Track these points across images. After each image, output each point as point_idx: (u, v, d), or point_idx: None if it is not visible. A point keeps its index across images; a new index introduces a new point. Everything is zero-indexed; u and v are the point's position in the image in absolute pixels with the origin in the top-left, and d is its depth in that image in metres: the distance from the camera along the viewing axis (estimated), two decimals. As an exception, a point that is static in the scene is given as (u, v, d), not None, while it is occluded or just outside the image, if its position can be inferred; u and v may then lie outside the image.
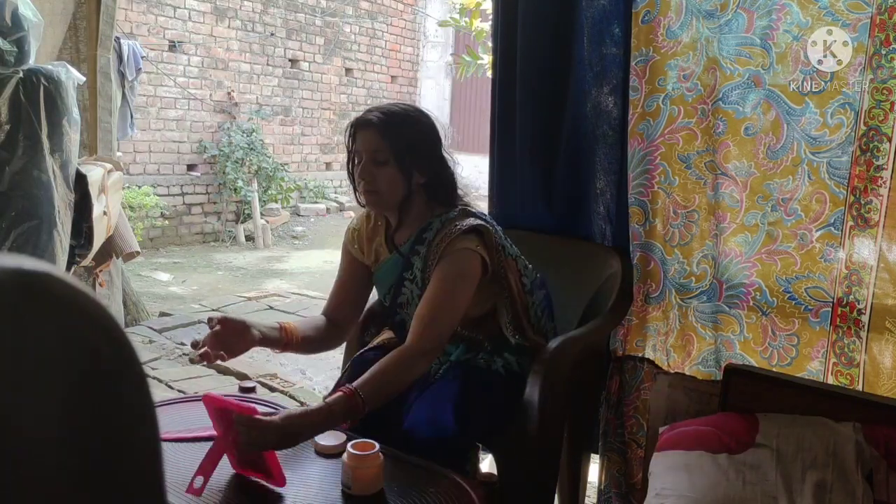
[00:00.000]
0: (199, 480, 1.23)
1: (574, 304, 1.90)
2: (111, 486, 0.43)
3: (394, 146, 1.54)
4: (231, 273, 5.93)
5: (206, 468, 1.26)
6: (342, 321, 1.74)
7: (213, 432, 1.32)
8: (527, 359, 1.66)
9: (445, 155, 1.63)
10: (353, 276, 1.75)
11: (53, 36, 3.15)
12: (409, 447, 1.43)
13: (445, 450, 1.46)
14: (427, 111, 1.66)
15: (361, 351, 1.78)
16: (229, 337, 1.47)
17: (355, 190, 1.63)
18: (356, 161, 1.59)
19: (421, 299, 1.53)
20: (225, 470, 1.29)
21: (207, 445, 1.36)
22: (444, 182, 1.62)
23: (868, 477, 1.30)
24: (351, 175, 1.63)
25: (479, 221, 1.59)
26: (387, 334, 1.82)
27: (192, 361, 1.45)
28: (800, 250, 1.68)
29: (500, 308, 1.64)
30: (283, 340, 1.58)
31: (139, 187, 6.21)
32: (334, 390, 1.49)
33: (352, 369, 1.68)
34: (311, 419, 1.32)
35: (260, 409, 1.58)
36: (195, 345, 1.45)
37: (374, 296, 1.96)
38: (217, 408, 1.28)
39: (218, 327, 1.46)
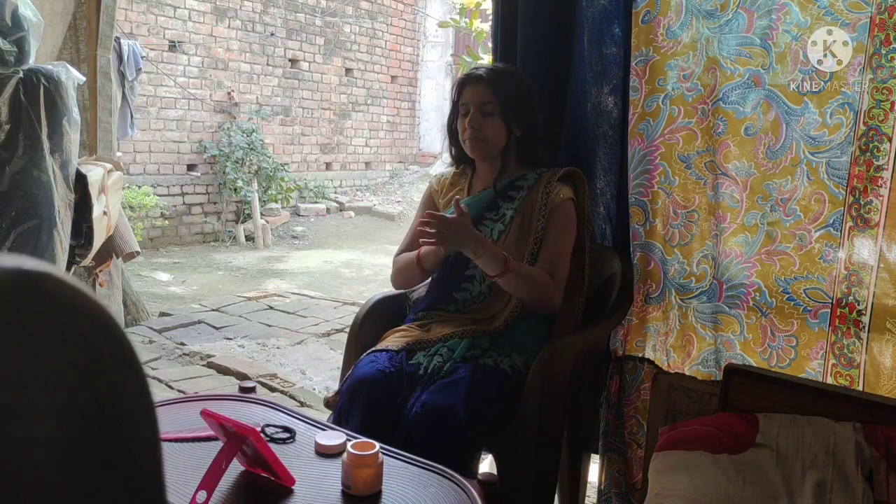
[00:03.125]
0: (202, 495, 1.18)
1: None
2: (111, 486, 0.43)
3: (501, 100, 1.77)
4: (231, 273, 5.93)
5: (210, 480, 1.20)
6: None
7: (212, 432, 1.32)
8: (533, 360, 1.66)
9: (539, 115, 1.84)
10: None
11: (53, 36, 3.15)
12: (409, 447, 1.42)
13: (448, 449, 1.46)
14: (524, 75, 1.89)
15: (367, 352, 1.75)
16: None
17: (451, 144, 1.89)
18: (462, 113, 1.80)
19: (541, 249, 1.75)
20: (229, 469, 1.28)
21: (207, 445, 1.36)
22: (535, 139, 1.82)
23: (868, 477, 1.30)
24: (450, 128, 1.87)
25: (571, 168, 1.84)
26: (393, 337, 1.79)
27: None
28: (798, 251, 1.68)
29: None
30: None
31: (139, 187, 6.22)
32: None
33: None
34: (479, 237, 1.65)
35: (258, 410, 1.58)
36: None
37: (370, 295, 1.96)
38: (218, 423, 1.27)
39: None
